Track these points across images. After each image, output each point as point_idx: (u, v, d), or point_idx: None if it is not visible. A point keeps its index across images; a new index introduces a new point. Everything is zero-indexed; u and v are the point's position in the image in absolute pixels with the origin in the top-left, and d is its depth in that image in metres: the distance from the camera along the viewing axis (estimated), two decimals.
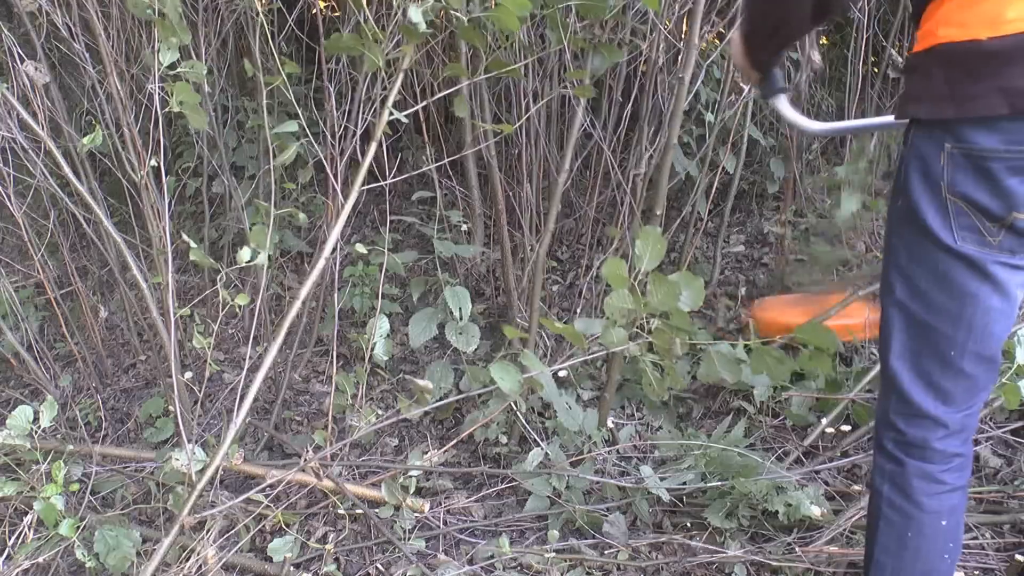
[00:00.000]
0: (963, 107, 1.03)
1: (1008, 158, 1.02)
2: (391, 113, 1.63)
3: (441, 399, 2.24)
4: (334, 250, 2.21)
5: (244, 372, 1.72)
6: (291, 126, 1.71)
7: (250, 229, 2.85)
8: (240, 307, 2.97)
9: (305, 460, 1.78)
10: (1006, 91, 0.99)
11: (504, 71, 1.83)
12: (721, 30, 2.53)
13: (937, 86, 1.05)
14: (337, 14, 2.74)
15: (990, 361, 1.17)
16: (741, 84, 2.14)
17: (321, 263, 1.65)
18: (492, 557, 1.84)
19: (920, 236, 1.12)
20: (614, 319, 1.63)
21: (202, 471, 1.55)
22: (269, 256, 3.10)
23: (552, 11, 1.77)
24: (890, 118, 1.29)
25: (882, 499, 1.26)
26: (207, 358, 1.75)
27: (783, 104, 1.41)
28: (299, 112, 1.70)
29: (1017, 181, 1.02)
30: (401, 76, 1.63)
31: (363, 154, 1.63)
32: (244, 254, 1.61)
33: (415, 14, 1.52)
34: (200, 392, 1.98)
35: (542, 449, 1.97)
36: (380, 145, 1.88)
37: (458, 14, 1.56)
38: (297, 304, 1.63)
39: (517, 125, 2.47)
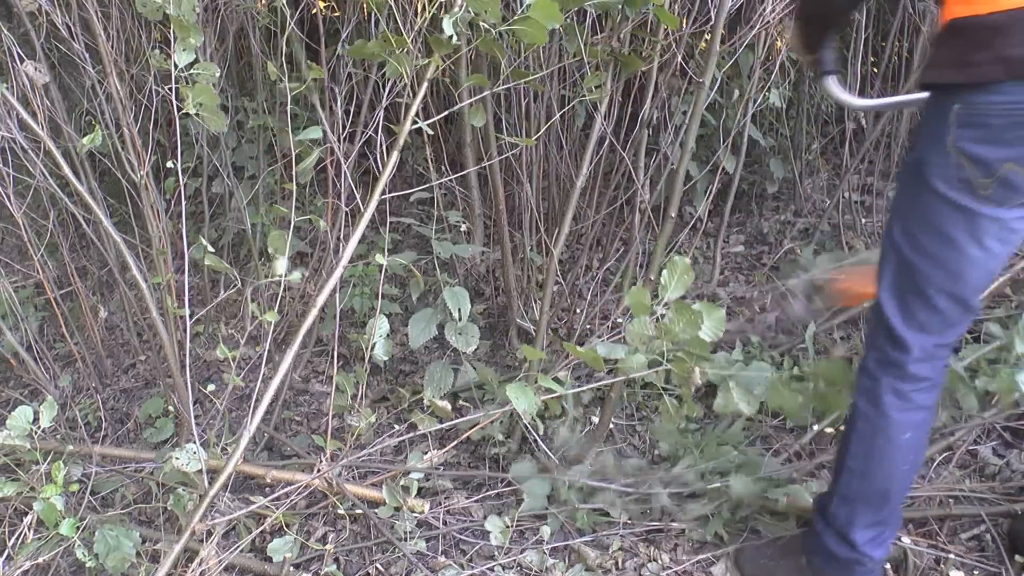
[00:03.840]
0: (967, 73, 1.18)
1: (1008, 114, 1.17)
2: (414, 122, 1.63)
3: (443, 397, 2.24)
4: (337, 252, 2.21)
5: (259, 378, 1.72)
6: (315, 132, 1.70)
7: (250, 230, 2.85)
8: (236, 304, 2.98)
9: (319, 471, 1.78)
10: (1003, 59, 1.14)
11: (524, 81, 1.84)
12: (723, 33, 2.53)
13: (949, 56, 1.22)
14: (337, 14, 2.74)
15: (963, 303, 1.34)
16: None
17: (339, 271, 1.65)
18: (492, 557, 1.85)
19: (921, 185, 1.29)
20: (635, 346, 1.64)
21: (214, 478, 1.54)
22: (268, 256, 3.10)
23: (570, 23, 1.77)
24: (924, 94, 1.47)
25: (858, 413, 1.47)
26: (228, 365, 1.75)
27: (832, 84, 1.58)
28: (320, 117, 1.70)
29: (1018, 135, 1.18)
30: (425, 86, 1.62)
31: (381, 161, 1.64)
32: (279, 266, 1.61)
33: (448, 26, 1.52)
34: (222, 404, 1.98)
35: (541, 458, 1.98)
36: (381, 146, 1.88)
37: (486, 25, 1.55)
38: (314, 312, 1.62)
39: (536, 137, 2.48)
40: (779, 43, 2.70)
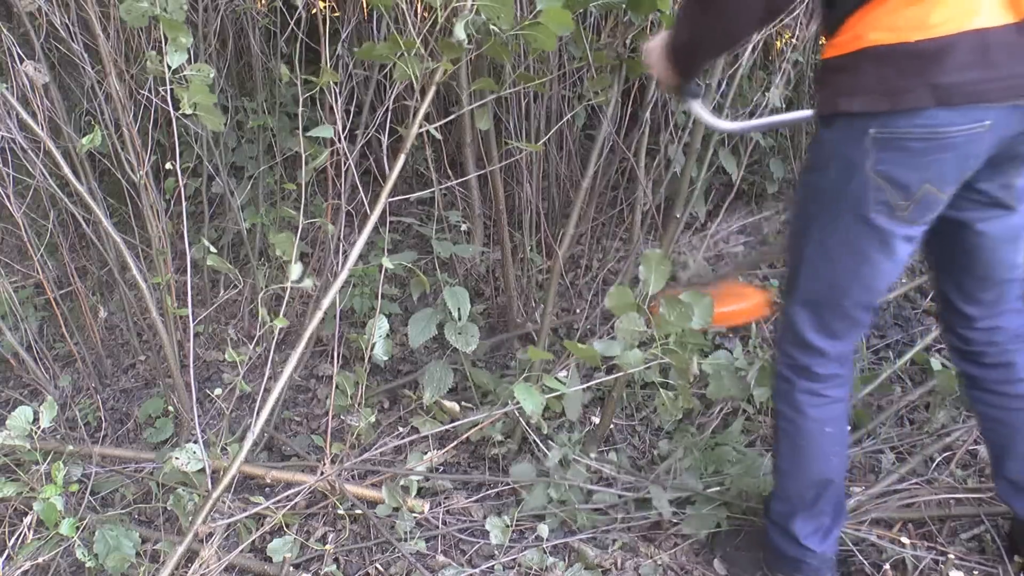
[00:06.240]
0: (895, 100, 1.19)
1: (929, 138, 1.19)
2: (421, 125, 1.63)
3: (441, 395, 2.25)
4: (337, 253, 2.21)
5: (264, 379, 1.72)
6: (326, 131, 1.70)
7: (248, 232, 2.85)
8: (235, 304, 2.98)
9: (323, 474, 1.79)
10: (933, 86, 1.16)
11: (530, 84, 1.84)
12: None
13: (869, 83, 1.21)
14: (337, 14, 2.73)
15: (872, 307, 1.43)
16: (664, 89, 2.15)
17: (344, 274, 1.64)
18: (492, 557, 1.85)
19: (837, 208, 1.32)
20: (628, 342, 1.65)
21: (217, 480, 1.54)
22: (268, 256, 3.10)
23: (576, 27, 1.76)
24: (801, 113, 1.50)
25: (780, 416, 1.53)
26: (237, 368, 1.75)
27: (699, 107, 1.55)
28: (321, 116, 1.70)
29: (935, 158, 1.21)
30: (433, 89, 1.62)
31: (387, 163, 1.63)
32: (294, 272, 1.60)
33: (460, 31, 1.51)
34: (229, 408, 1.99)
35: (542, 460, 1.98)
36: (380, 146, 1.88)
37: (496, 30, 1.54)
38: (319, 315, 1.62)
39: (541, 143, 2.47)
40: (779, 43, 2.70)
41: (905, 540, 1.73)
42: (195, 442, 1.66)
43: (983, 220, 1.36)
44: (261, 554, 1.88)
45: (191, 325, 1.70)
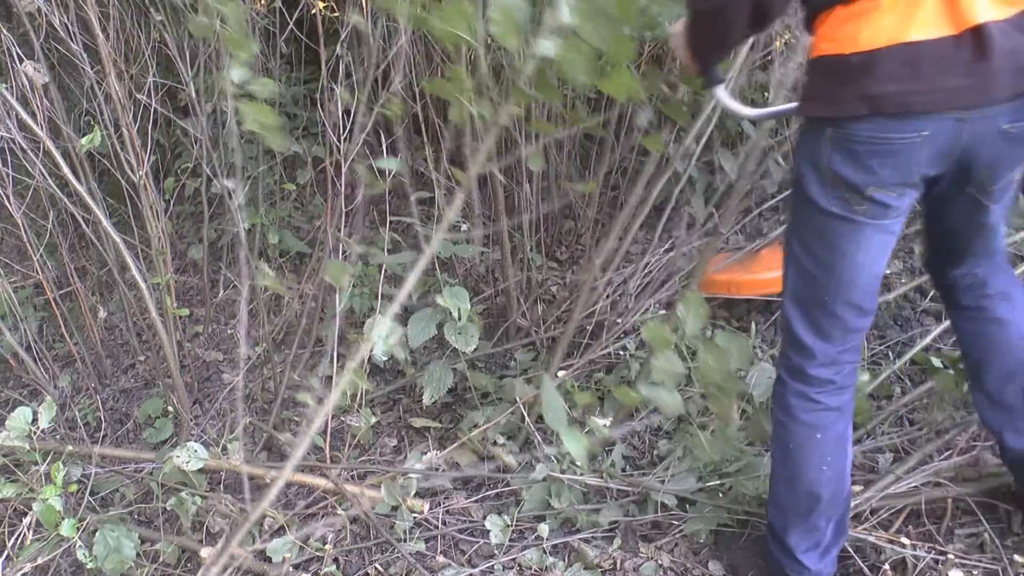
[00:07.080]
0: (833, 108, 1.28)
1: (870, 143, 1.26)
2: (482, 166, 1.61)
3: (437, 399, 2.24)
4: (337, 252, 2.21)
5: (287, 386, 1.71)
6: (393, 163, 1.68)
7: (246, 232, 2.85)
8: (235, 304, 2.98)
9: (339, 485, 1.78)
10: (866, 97, 1.24)
11: (584, 125, 1.83)
12: None
13: (818, 90, 1.32)
14: (336, 15, 2.73)
15: (858, 308, 1.43)
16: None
17: (395, 307, 1.61)
18: (492, 557, 1.85)
19: (807, 201, 1.38)
20: (665, 384, 1.64)
21: (255, 505, 1.53)
22: (268, 256, 3.09)
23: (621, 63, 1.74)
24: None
25: (775, 421, 1.54)
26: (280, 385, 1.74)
27: (722, 93, 1.58)
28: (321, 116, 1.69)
29: (876, 162, 1.27)
30: (495, 131, 1.59)
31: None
32: (377, 329, 1.49)
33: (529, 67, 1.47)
34: (265, 435, 1.97)
35: (545, 464, 1.98)
36: (380, 144, 1.87)
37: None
38: (368, 347, 1.59)
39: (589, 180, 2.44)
40: (778, 44, 2.70)
41: (905, 540, 1.73)
42: (197, 440, 1.66)
43: (961, 213, 1.41)
44: (261, 554, 1.88)
45: (245, 334, 1.70)
